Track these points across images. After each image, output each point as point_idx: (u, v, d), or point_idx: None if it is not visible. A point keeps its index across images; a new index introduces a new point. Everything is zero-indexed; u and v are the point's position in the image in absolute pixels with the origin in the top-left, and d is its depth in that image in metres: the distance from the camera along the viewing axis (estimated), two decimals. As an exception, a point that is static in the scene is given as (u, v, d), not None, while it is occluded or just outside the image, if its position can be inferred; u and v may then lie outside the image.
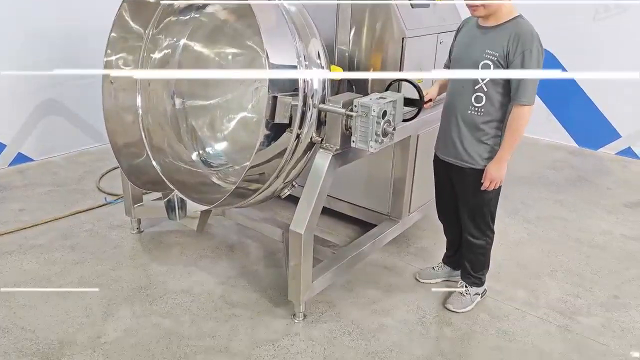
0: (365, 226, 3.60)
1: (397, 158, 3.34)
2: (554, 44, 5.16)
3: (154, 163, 3.13)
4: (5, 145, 4.63)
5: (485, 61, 2.48)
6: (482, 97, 2.54)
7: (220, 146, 3.34)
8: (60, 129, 4.94)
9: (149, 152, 3.14)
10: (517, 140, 2.51)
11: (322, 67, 2.60)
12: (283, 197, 2.80)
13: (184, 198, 2.93)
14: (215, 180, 3.19)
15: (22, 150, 4.73)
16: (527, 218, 4.10)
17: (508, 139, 2.52)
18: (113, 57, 3.05)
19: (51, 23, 4.62)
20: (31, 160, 4.80)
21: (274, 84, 2.37)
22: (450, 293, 3.03)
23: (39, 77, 4.63)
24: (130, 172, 3.10)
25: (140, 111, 3.14)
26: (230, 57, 3.30)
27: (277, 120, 2.39)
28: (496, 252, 3.35)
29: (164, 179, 3.06)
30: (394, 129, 2.51)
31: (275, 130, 2.44)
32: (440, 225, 3.16)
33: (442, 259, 3.22)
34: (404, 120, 2.74)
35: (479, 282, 2.95)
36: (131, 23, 3.04)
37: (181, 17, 3.14)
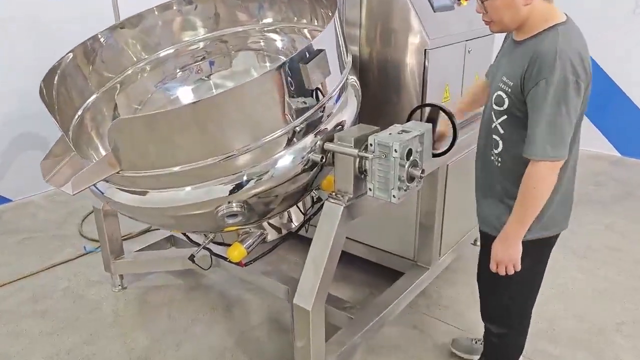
0: (384, 270, 3.04)
1: (424, 190, 2.76)
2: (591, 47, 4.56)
3: None
4: (-20, 186, 4.15)
5: (499, 92, 1.80)
6: (498, 141, 1.87)
7: None
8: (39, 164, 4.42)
9: None
10: (529, 210, 1.74)
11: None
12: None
13: None
14: None
15: (-2, 190, 4.25)
16: (577, 251, 3.48)
17: (516, 207, 1.77)
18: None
19: (25, 54, 4.14)
20: (9, 200, 4.31)
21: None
22: None
23: (12, 108, 4.15)
24: None
25: None
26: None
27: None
28: (547, 302, 2.78)
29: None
30: (422, 172, 1.93)
31: None
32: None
33: (483, 334, 2.41)
34: (434, 156, 2.16)
35: None
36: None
37: None
